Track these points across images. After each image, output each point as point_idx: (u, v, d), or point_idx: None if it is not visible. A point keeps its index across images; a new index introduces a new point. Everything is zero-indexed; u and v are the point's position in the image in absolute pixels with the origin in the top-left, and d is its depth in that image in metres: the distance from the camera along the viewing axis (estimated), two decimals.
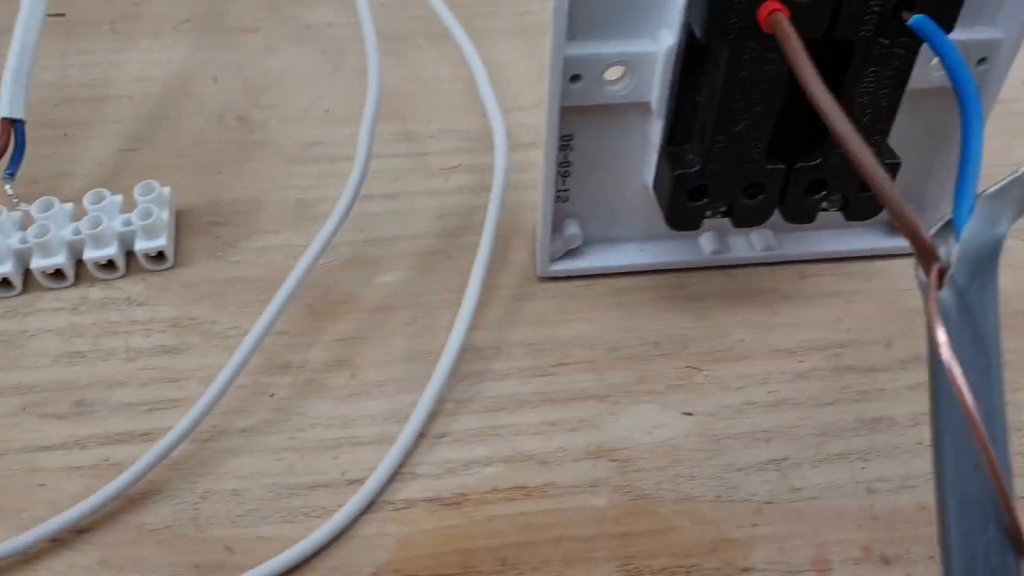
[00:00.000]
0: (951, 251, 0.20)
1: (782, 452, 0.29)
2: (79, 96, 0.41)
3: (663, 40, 0.27)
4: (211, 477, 0.28)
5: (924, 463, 0.28)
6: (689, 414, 0.30)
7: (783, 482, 0.28)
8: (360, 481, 0.28)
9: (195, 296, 0.33)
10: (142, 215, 0.33)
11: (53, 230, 0.32)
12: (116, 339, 0.32)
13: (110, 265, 0.33)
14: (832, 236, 0.34)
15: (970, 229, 0.20)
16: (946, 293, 0.20)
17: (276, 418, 0.30)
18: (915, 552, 0.27)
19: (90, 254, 0.33)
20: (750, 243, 0.33)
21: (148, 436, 0.29)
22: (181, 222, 0.35)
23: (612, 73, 0.27)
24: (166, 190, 0.34)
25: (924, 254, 0.20)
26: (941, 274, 0.20)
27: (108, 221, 0.33)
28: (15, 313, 0.32)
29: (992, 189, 0.21)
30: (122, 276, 0.33)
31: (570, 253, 0.33)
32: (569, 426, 0.29)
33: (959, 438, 0.19)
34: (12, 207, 0.34)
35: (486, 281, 0.32)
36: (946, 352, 0.18)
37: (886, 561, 0.27)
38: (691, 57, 0.26)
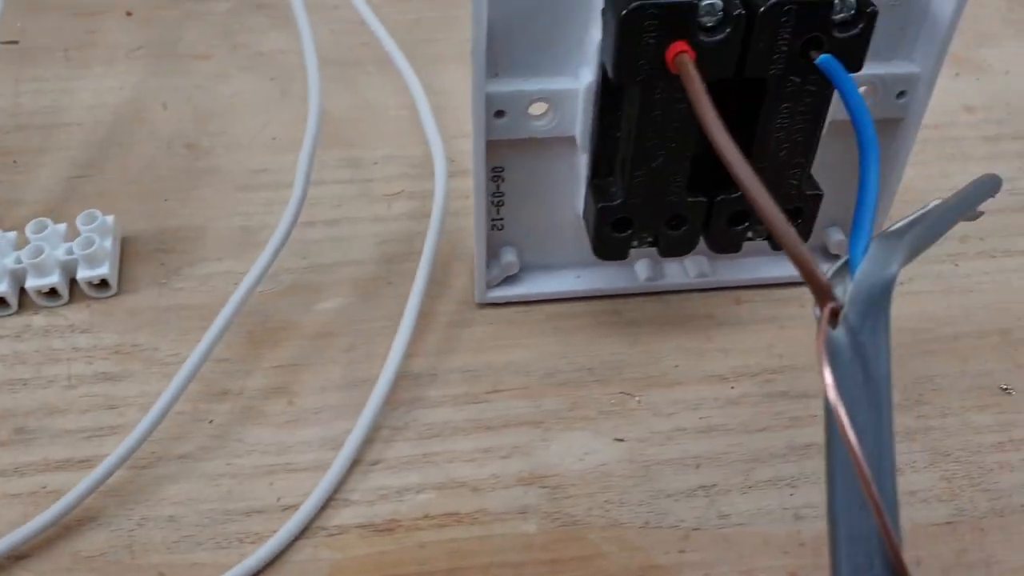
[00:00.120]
0: (847, 290, 0.21)
1: (711, 478, 0.29)
2: (31, 124, 0.41)
3: (584, 78, 0.27)
4: (148, 503, 0.29)
5: None
6: (621, 440, 0.30)
7: (711, 508, 0.29)
8: (295, 507, 0.28)
9: (138, 323, 0.33)
10: (84, 244, 0.33)
11: None
12: (58, 366, 0.32)
13: (53, 293, 0.33)
14: (766, 262, 0.34)
15: (863, 269, 0.20)
16: (839, 332, 0.20)
17: (214, 444, 0.30)
18: None
19: (32, 282, 0.33)
20: (685, 270, 0.34)
21: (87, 463, 0.29)
22: (127, 249, 0.36)
23: (536, 109, 0.28)
24: (109, 219, 0.35)
25: (819, 293, 0.20)
26: (835, 313, 0.20)
27: (50, 250, 0.33)
28: None
29: (892, 228, 0.22)
30: (65, 304, 0.34)
31: (508, 280, 0.33)
32: (502, 453, 0.30)
33: (848, 476, 0.19)
34: None
35: (424, 308, 0.33)
36: (832, 394, 0.19)
37: None
38: (608, 95, 0.27)
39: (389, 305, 0.34)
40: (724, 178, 0.28)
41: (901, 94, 0.29)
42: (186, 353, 0.31)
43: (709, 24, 0.24)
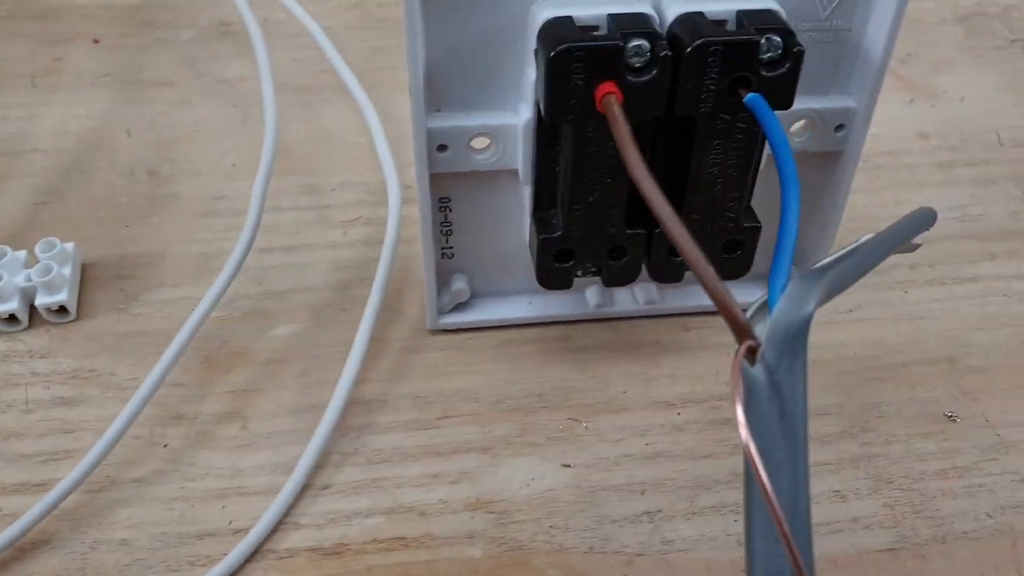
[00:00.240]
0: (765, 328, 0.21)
1: (656, 504, 0.30)
2: None
3: (523, 113, 0.28)
4: (101, 527, 0.29)
5: None
6: (568, 466, 0.31)
7: (655, 534, 0.29)
8: (245, 530, 0.29)
9: (96, 348, 0.34)
10: (42, 272, 0.34)
11: None
12: (16, 391, 0.33)
13: (12, 319, 0.34)
14: None
15: (779, 308, 0.21)
16: (757, 369, 0.21)
17: (168, 468, 0.31)
18: None
19: None
20: (634, 296, 0.34)
21: (42, 487, 0.30)
22: (87, 275, 0.36)
23: (478, 143, 0.29)
24: (69, 246, 0.35)
25: (737, 331, 0.21)
26: (752, 351, 0.21)
27: (9, 276, 0.34)
28: None
29: (818, 264, 0.22)
30: (25, 329, 0.34)
31: (459, 306, 0.34)
32: (450, 478, 0.30)
33: (763, 513, 0.20)
34: None
35: (377, 334, 0.33)
36: (744, 432, 0.19)
37: None
38: (545, 131, 0.27)
39: (343, 331, 0.34)
40: None
41: (839, 127, 0.30)
42: (143, 378, 0.31)
43: (637, 65, 0.24)
